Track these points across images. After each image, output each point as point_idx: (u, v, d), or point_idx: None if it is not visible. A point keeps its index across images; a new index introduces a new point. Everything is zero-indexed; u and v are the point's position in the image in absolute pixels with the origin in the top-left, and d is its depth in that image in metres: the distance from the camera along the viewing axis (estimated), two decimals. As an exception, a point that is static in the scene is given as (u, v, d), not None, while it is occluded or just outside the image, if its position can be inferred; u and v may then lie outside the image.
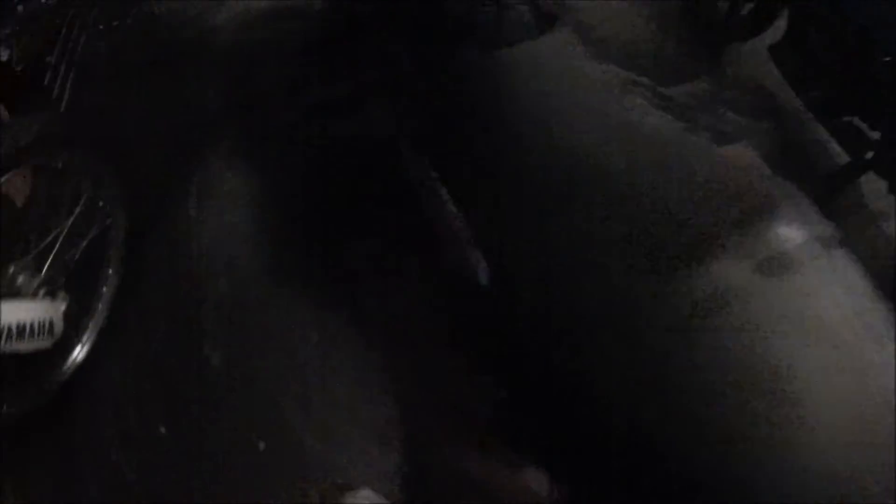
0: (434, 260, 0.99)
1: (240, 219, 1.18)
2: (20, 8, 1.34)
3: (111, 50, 1.31)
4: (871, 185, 1.62)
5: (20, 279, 1.06)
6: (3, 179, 1.15)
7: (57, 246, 1.07)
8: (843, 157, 1.66)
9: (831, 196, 1.57)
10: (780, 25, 1.61)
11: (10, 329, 0.99)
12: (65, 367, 1.05)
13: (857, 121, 1.43)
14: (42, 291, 1.07)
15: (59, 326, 1.05)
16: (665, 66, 1.66)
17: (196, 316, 1.04)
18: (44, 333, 1.02)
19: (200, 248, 1.11)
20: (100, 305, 1.03)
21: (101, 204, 1.10)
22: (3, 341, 0.99)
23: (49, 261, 1.06)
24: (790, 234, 0.63)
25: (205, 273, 1.08)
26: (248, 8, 1.41)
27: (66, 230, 1.07)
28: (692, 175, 0.68)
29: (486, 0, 0.82)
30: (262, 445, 0.92)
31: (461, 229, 0.93)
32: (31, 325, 1.00)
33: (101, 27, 1.34)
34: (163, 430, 0.94)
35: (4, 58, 1.33)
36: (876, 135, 1.42)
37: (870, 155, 1.41)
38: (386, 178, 1.12)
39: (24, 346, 1.03)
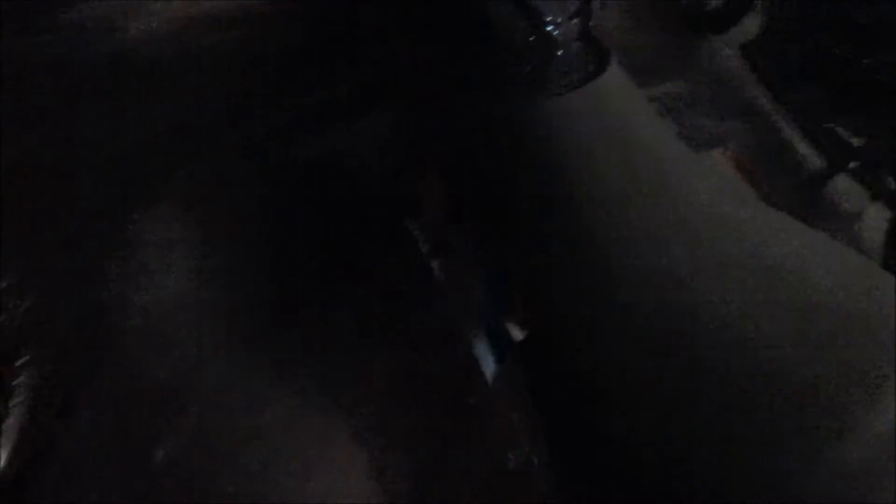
0: (432, 318, 0.88)
1: (181, 279, 1.00)
2: None
3: (14, 76, 1.07)
4: (844, 186, 1.60)
5: None
6: None
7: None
8: (814, 161, 1.63)
9: (809, 201, 1.54)
10: (754, 21, 1.55)
11: None
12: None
13: (837, 126, 1.39)
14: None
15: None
16: (637, 66, 1.57)
17: (143, 411, 0.88)
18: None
19: (137, 319, 0.93)
20: (18, 410, 0.83)
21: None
22: None
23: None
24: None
25: (145, 351, 0.92)
26: (188, 13, 1.19)
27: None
28: (832, 350, 0.60)
29: (528, 37, 0.65)
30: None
31: (471, 285, 0.81)
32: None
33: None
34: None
35: None
36: (858, 140, 1.39)
37: (852, 163, 1.38)
38: (365, 219, 0.99)
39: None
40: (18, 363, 0.87)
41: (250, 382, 0.95)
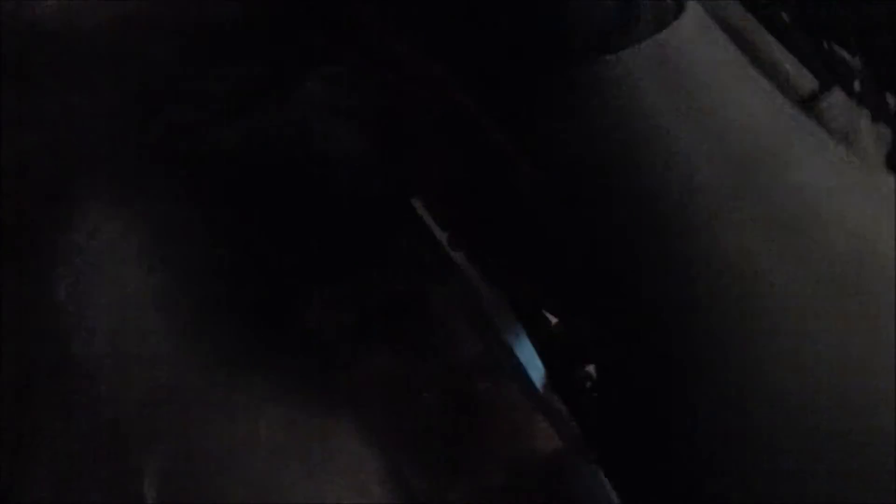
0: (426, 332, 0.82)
1: (180, 280, 0.91)
2: None
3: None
4: (830, 102, 1.55)
5: None
6: None
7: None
8: (804, 81, 1.57)
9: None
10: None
11: None
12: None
13: (833, 43, 1.33)
14: None
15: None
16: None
17: (143, 412, 0.84)
18: None
19: (137, 320, 0.86)
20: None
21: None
22: None
23: None
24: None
25: (145, 352, 0.86)
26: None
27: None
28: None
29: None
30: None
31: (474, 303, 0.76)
32: None
33: None
34: None
35: None
36: (854, 61, 1.32)
37: (856, 84, 1.32)
38: (364, 218, 0.92)
39: None
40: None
41: (251, 382, 0.91)
